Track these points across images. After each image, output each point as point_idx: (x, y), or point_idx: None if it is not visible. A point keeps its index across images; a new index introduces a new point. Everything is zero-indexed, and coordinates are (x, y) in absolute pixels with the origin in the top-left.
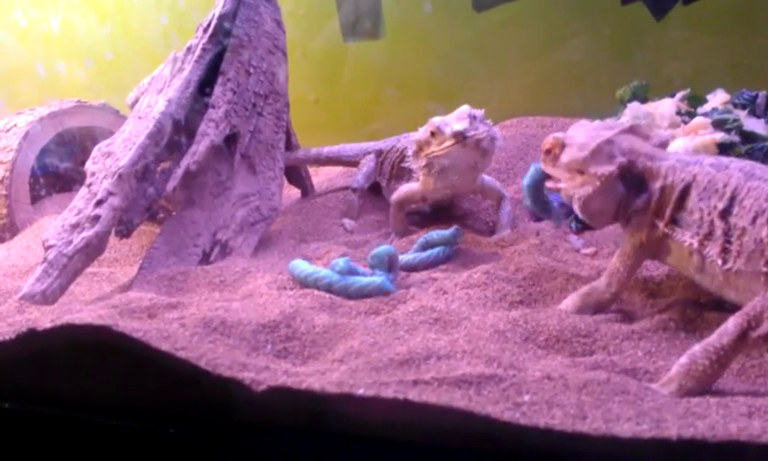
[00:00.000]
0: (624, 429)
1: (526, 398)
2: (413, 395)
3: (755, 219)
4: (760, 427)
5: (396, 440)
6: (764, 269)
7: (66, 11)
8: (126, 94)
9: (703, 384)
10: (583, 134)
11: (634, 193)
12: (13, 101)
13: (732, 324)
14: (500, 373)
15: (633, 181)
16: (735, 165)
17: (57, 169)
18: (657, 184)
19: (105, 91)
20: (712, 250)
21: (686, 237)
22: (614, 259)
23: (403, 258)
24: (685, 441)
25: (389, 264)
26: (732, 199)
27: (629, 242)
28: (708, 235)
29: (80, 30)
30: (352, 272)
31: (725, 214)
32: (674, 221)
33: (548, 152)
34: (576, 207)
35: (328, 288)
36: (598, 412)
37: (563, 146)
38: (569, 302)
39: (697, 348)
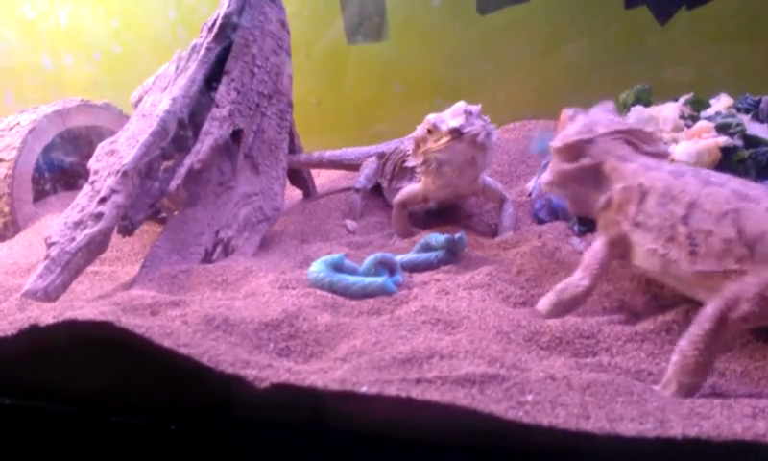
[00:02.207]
0: (628, 429)
1: (529, 397)
2: (416, 393)
3: (719, 221)
4: (765, 428)
5: (399, 438)
6: (734, 266)
7: (74, 4)
8: (132, 89)
9: (699, 376)
10: (579, 126)
11: (597, 192)
12: (20, 95)
13: (710, 309)
14: (503, 373)
15: (599, 180)
16: (691, 173)
17: (61, 167)
18: (619, 185)
19: (111, 85)
20: (677, 253)
21: (647, 241)
22: (586, 254)
23: (404, 259)
24: (690, 440)
25: (388, 269)
26: (692, 204)
27: (599, 238)
28: (671, 239)
29: (87, 23)
30: (339, 268)
31: (686, 219)
32: (636, 223)
33: (561, 126)
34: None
35: (330, 288)
36: (602, 412)
37: (564, 126)
38: (545, 299)
39: (683, 341)
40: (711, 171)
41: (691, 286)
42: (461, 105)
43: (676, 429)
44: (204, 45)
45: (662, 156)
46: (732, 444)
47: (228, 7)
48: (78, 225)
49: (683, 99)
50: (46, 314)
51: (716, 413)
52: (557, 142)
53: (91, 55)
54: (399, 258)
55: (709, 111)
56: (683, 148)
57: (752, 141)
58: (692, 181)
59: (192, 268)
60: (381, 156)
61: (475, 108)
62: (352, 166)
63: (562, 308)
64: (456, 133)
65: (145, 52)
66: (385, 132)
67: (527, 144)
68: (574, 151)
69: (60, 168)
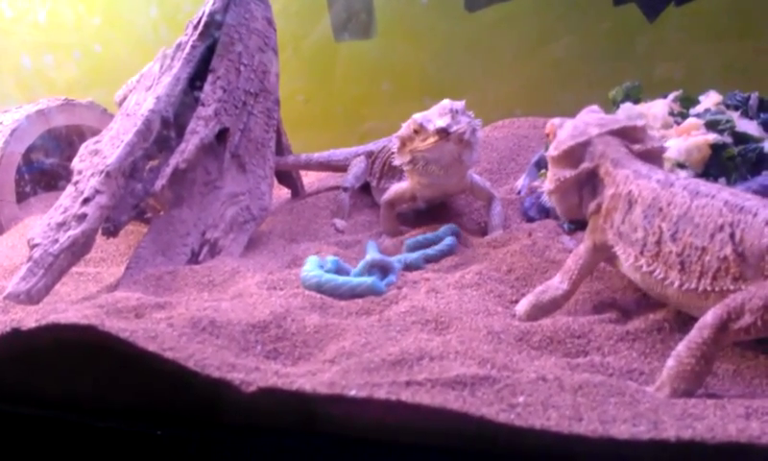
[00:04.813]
0: (621, 431)
1: (521, 399)
2: (406, 396)
3: (713, 236)
4: (759, 429)
5: (389, 442)
6: (731, 287)
7: (54, 2)
8: (114, 87)
9: (694, 383)
10: (570, 130)
11: (591, 196)
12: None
13: (711, 316)
14: (494, 374)
15: (594, 183)
16: (680, 183)
17: (43, 167)
18: (609, 191)
19: (93, 84)
20: (664, 271)
21: (630, 256)
22: (569, 258)
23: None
24: (684, 442)
25: (381, 271)
26: (681, 218)
27: (584, 242)
28: (656, 256)
29: (68, 21)
30: (340, 271)
31: (676, 235)
32: (619, 234)
33: (547, 136)
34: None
35: (318, 288)
36: (594, 414)
37: (555, 134)
38: (524, 301)
39: (680, 347)
40: (701, 180)
41: (681, 305)
42: (446, 103)
43: (669, 432)
44: (189, 43)
45: (656, 153)
46: (726, 446)
47: (214, 4)
48: (61, 226)
49: (671, 96)
50: (29, 317)
51: (709, 414)
52: (553, 151)
53: (72, 53)
54: (397, 258)
55: (698, 108)
56: (672, 145)
57: (741, 138)
58: (680, 191)
59: (178, 269)
60: (369, 155)
61: (459, 104)
62: (341, 167)
63: (540, 311)
64: (444, 134)
65: (127, 50)
66: (374, 129)
67: (516, 142)
68: (572, 156)
69: (40, 170)
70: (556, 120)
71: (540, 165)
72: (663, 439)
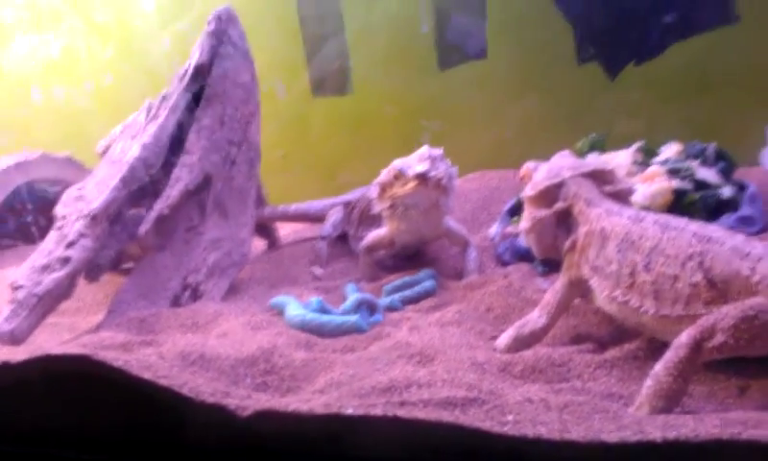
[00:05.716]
0: (610, 437)
1: (510, 417)
2: (401, 413)
3: (683, 265)
4: (739, 431)
5: (387, 459)
6: (702, 311)
7: (69, 35)
8: (125, 118)
9: (672, 401)
10: (545, 172)
11: (566, 234)
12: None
13: (685, 336)
14: (483, 396)
15: (568, 222)
16: (650, 218)
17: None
18: (584, 229)
19: (103, 114)
20: (639, 300)
21: (606, 288)
22: (547, 293)
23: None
24: (670, 442)
25: (369, 308)
26: (653, 250)
27: (561, 278)
28: (631, 287)
29: (81, 54)
30: (325, 312)
31: (648, 266)
32: (594, 268)
33: (522, 179)
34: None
35: (302, 326)
36: (581, 428)
37: (530, 177)
38: (504, 335)
39: (658, 367)
40: (671, 215)
41: (656, 332)
42: (425, 150)
43: (655, 434)
44: (175, 94)
45: (624, 194)
46: (710, 442)
47: (200, 58)
48: (45, 269)
49: (635, 146)
50: (17, 354)
51: (690, 423)
52: (529, 191)
53: (83, 85)
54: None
55: (660, 157)
56: (639, 190)
57: (701, 185)
58: (651, 226)
59: (161, 311)
60: (347, 204)
61: (438, 151)
62: (318, 218)
63: (520, 344)
64: (422, 178)
65: (139, 81)
66: (350, 182)
67: (488, 193)
68: (547, 196)
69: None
70: (531, 163)
71: (513, 213)
72: (650, 440)
